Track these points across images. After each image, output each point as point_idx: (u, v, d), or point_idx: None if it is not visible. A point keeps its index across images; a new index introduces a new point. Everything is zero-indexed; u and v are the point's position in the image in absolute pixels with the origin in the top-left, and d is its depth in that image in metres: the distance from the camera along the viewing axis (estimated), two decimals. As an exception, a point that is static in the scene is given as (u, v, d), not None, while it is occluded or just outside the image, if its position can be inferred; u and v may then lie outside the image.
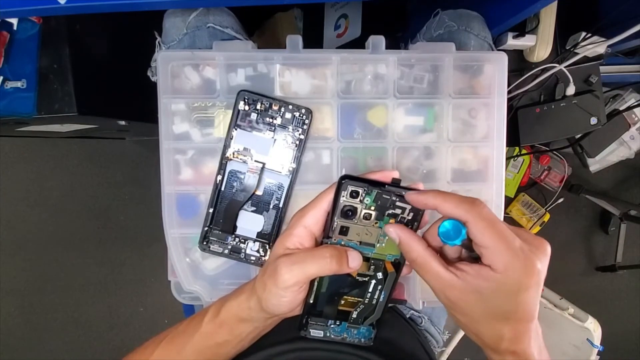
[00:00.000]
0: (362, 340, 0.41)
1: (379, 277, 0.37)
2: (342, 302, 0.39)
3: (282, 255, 0.35)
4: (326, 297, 0.38)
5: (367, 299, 0.39)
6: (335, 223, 0.35)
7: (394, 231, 0.34)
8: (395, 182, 0.34)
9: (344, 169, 0.49)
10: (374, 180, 0.34)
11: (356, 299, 0.39)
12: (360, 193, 0.33)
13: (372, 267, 0.37)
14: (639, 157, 1.18)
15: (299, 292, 0.35)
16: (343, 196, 0.33)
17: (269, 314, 0.37)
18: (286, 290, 0.34)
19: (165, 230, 0.48)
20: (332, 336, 0.40)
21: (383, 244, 0.36)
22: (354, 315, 0.39)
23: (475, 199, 0.31)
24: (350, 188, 0.33)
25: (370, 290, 0.38)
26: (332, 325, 0.40)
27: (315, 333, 0.40)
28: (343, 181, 0.33)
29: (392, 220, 0.35)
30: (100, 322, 1.31)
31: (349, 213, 0.34)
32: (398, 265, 0.37)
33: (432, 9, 0.57)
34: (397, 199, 0.34)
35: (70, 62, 0.65)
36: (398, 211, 0.35)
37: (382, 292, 0.38)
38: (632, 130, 1.07)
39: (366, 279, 0.38)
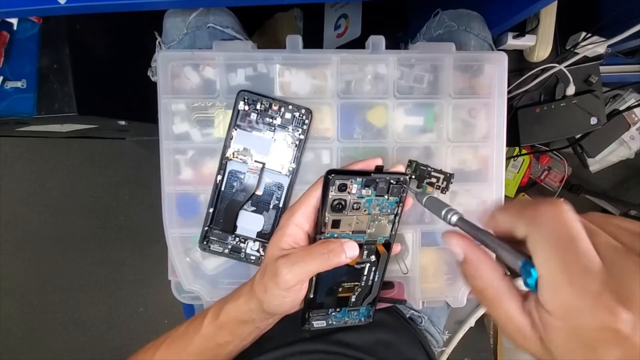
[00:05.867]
0: (363, 319, 0.42)
1: (372, 260, 0.38)
2: (340, 289, 0.39)
3: (279, 256, 0.35)
4: (325, 289, 0.38)
5: (364, 282, 0.40)
6: (327, 218, 0.35)
7: (458, 245, 0.25)
8: (379, 169, 0.35)
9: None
10: (359, 170, 0.35)
11: (353, 283, 0.39)
12: (348, 185, 0.34)
13: (365, 252, 0.38)
14: (639, 157, 1.17)
15: (300, 290, 0.35)
16: (332, 191, 0.34)
17: (271, 314, 0.37)
18: (288, 290, 0.34)
19: (166, 230, 0.48)
20: (334, 323, 0.41)
21: (373, 229, 0.37)
22: (353, 299, 0.40)
23: (549, 203, 0.20)
24: (338, 182, 0.33)
25: (365, 273, 0.39)
26: (333, 313, 0.40)
27: (318, 324, 0.40)
28: (330, 176, 0.33)
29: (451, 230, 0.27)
30: (100, 322, 1.31)
31: (339, 206, 0.35)
32: (388, 245, 0.38)
33: (432, 9, 0.57)
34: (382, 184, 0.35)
35: (70, 62, 0.65)
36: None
37: (377, 273, 0.39)
38: (632, 130, 1.07)
39: (362, 265, 0.38)
